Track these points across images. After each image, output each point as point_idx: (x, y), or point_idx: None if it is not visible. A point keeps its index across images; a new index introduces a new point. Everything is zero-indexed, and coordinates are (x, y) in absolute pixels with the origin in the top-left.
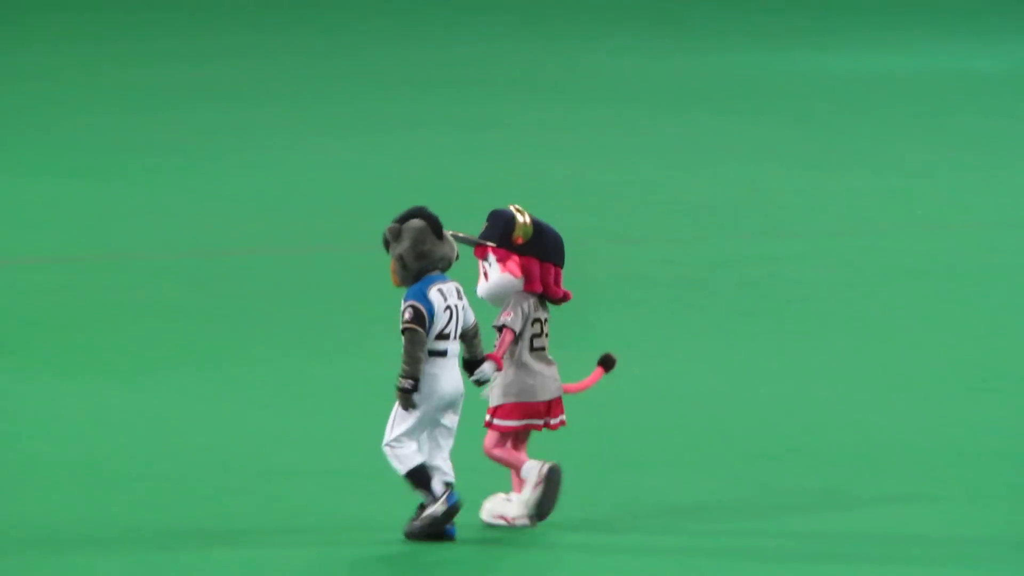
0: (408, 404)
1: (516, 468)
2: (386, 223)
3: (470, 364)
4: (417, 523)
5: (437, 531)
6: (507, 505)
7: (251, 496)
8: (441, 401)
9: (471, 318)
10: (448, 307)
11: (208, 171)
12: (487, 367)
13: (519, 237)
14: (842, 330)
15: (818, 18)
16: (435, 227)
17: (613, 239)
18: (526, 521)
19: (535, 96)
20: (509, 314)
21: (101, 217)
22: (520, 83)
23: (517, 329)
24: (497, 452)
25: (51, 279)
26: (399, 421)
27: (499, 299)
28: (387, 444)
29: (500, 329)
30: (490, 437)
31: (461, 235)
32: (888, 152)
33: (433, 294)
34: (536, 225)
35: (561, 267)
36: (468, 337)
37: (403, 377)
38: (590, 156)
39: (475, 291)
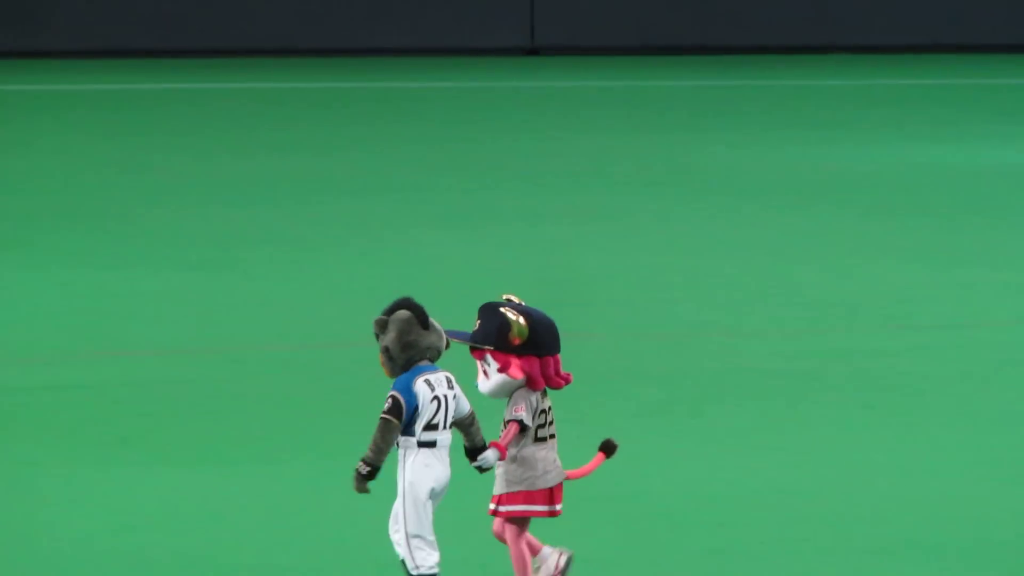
0: (361, 487)
1: (520, 561)
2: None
3: (471, 451)
4: None
5: None
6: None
7: None
8: (433, 492)
9: (465, 407)
10: (436, 398)
11: (324, 263)
12: (490, 454)
13: (515, 338)
14: (959, 423)
15: (935, 111)
16: (421, 317)
17: (728, 332)
18: None
19: (651, 188)
20: (520, 409)
21: (218, 309)
22: (635, 175)
23: (530, 424)
24: (507, 535)
25: (167, 371)
26: (410, 518)
27: (502, 394)
28: (405, 539)
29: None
30: (497, 523)
31: (457, 334)
32: (1005, 245)
33: (419, 385)
34: (529, 320)
35: (559, 353)
36: (465, 425)
37: (363, 462)
38: (706, 248)
39: (474, 385)
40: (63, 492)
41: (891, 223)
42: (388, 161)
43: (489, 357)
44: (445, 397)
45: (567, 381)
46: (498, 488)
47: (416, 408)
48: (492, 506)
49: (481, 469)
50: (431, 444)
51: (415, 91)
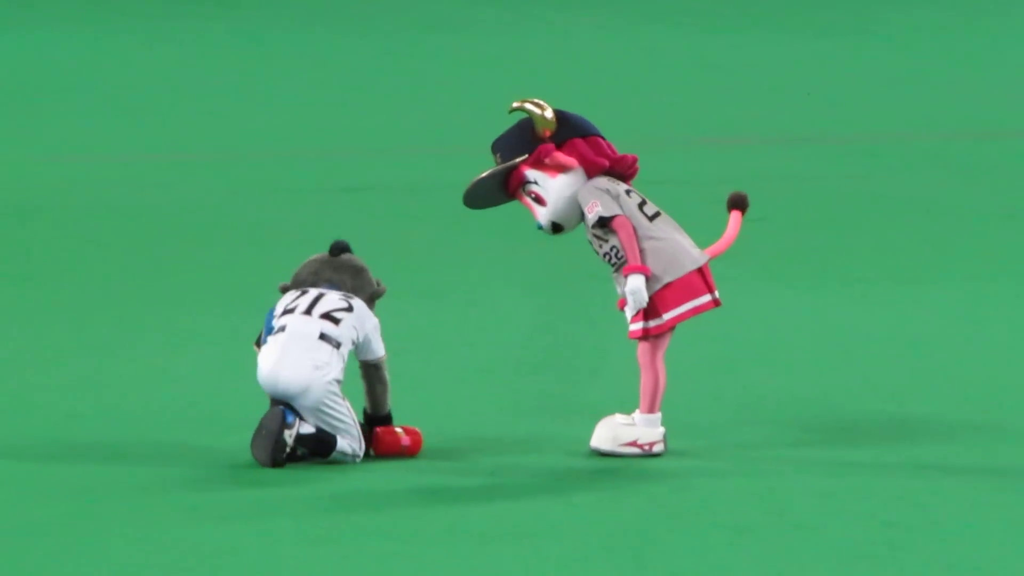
0: None
1: (654, 393)
2: None
3: (371, 420)
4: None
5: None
6: (631, 429)
7: None
8: (261, 383)
9: (375, 351)
10: (303, 291)
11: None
12: (633, 279)
13: (545, 131)
14: None
15: None
16: (333, 252)
17: None
18: (661, 446)
19: None
20: (595, 205)
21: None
22: None
23: (613, 212)
24: (657, 364)
25: (785, 163)
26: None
27: (570, 210)
28: None
29: (604, 224)
30: (643, 348)
31: (483, 178)
32: None
33: (286, 295)
34: (551, 107)
35: (601, 136)
36: (368, 370)
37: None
38: None
39: (535, 225)
40: None
41: None
42: None
43: (532, 175)
44: (320, 294)
45: (632, 161)
46: (648, 292)
47: (271, 316)
48: (638, 327)
49: (634, 300)
50: (281, 329)
51: None
